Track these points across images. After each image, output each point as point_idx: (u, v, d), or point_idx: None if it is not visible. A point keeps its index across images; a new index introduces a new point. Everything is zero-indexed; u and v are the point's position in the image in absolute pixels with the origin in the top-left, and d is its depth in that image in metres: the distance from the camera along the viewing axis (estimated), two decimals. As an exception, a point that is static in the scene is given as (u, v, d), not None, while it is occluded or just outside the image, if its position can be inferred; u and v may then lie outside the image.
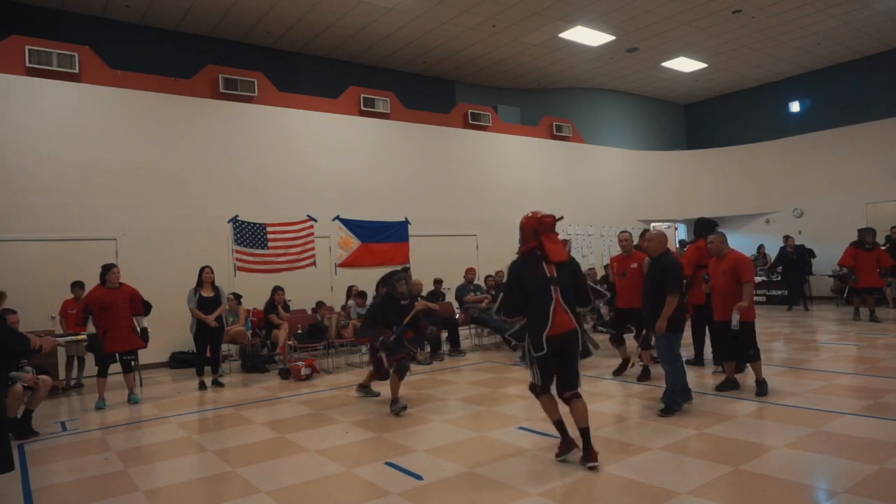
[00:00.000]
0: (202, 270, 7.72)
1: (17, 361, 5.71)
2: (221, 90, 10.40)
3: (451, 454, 4.46)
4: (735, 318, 5.53)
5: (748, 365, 6.10)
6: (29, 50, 8.80)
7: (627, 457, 4.20)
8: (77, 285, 8.21)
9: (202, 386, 7.59)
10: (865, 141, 14.24)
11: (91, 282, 7.05)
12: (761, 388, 5.72)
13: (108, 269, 6.84)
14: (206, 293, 7.64)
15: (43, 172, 8.74)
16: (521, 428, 5.08)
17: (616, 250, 15.18)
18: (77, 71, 9.15)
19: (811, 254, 13.23)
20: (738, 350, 5.86)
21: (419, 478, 3.97)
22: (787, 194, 15.44)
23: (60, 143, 8.92)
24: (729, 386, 5.96)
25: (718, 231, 6.20)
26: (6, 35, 8.87)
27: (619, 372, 7.09)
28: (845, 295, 12.71)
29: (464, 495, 3.67)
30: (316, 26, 11.46)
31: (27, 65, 8.80)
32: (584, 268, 13.39)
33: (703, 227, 6.73)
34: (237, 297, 8.97)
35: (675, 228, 17.52)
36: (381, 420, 5.61)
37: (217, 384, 7.73)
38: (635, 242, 7.25)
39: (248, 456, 4.69)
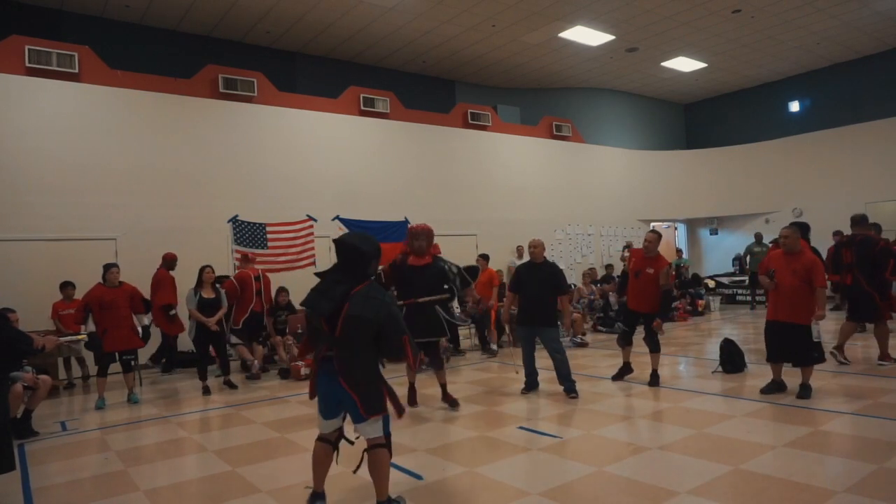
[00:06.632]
0: (202, 270, 7.45)
1: (19, 361, 5.70)
2: (221, 90, 10.40)
3: (451, 454, 4.46)
4: (815, 329, 5.33)
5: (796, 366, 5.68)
6: (29, 50, 8.79)
7: (627, 456, 4.20)
8: (67, 285, 8.16)
9: (206, 391, 7.15)
10: (865, 141, 14.24)
11: (90, 282, 7.03)
12: (805, 392, 5.49)
13: (108, 269, 6.84)
14: (207, 294, 7.37)
15: (43, 172, 8.74)
16: (521, 428, 5.08)
17: (615, 249, 15.29)
18: (77, 71, 9.15)
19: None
20: (802, 353, 5.50)
21: (419, 478, 3.98)
22: (786, 194, 15.44)
23: (60, 143, 8.91)
24: (774, 388, 5.70)
25: (794, 225, 5.68)
26: (6, 35, 8.86)
27: (618, 377, 6.77)
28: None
29: (464, 495, 3.68)
30: (316, 26, 11.46)
31: (27, 65, 8.79)
32: (583, 268, 13.56)
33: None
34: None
35: (675, 228, 17.52)
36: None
37: (230, 385, 7.44)
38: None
39: (248, 456, 4.69)
